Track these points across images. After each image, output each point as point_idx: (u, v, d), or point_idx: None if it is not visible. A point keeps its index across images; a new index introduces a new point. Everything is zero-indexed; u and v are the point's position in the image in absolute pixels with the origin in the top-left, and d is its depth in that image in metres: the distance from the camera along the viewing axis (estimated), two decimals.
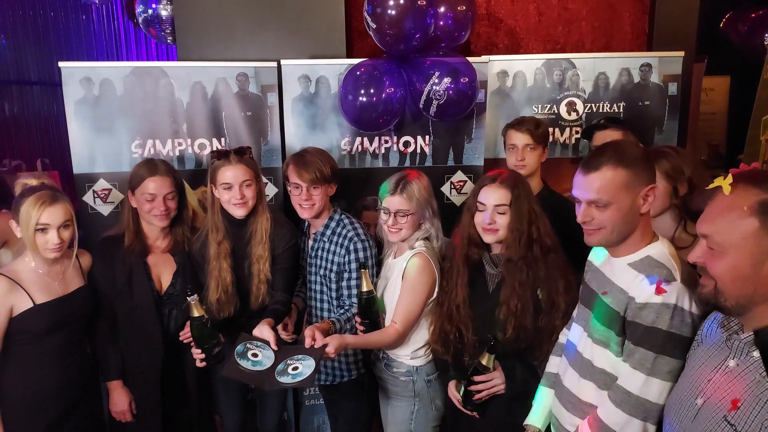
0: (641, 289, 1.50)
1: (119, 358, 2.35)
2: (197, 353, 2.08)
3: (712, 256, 1.22)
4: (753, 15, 4.77)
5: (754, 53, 4.76)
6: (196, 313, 2.03)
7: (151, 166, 2.30)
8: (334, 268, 2.30)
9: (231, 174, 2.20)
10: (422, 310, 2.16)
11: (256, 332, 2.00)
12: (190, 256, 2.42)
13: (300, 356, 1.92)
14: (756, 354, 1.18)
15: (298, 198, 2.27)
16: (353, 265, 2.25)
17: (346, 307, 2.26)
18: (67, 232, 2.10)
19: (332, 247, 2.31)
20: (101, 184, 2.95)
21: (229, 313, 2.33)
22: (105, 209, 2.97)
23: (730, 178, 1.21)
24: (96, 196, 2.96)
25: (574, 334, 1.78)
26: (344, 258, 2.27)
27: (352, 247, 2.26)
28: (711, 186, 1.23)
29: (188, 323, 2.16)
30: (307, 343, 1.94)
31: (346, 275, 2.28)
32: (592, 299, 1.68)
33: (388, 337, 2.13)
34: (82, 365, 2.26)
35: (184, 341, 2.22)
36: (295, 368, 1.88)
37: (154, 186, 2.25)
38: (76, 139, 2.91)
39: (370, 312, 2.15)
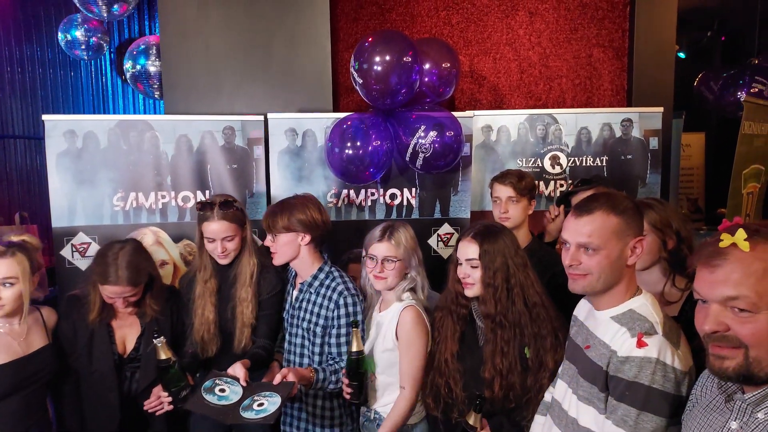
0: (623, 343, 1.46)
1: (78, 421, 2.21)
2: (164, 396, 2.03)
3: (740, 321, 1.11)
4: (725, 74, 4.96)
5: (727, 110, 4.93)
6: (163, 356, 1.98)
7: (112, 271, 2.07)
8: (320, 321, 2.21)
9: (213, 229, 2.22)
10: (425, 362, 2.08)
11: (229, 371, 1.99)
12: (179, 295, 2.38)
13: (267, 393, 1.93)
14: (761, 415, 1.12)
15: (266, 243, 2.28)
16: (342, 321, 2.17)
17: (337, 360, 2.18)
18: (8, 292, 1.98)
19: (319, 300, 2.23)
20: (80, 238, 2.89)
21: (212, 352, 2.29)
22: (83, 263, 2.89)
23: (743, 233, 1.13)
24: (74, 249, 2.88)
25: (559, 391, 1.72)
26: (333, 312, 2.18)
27: (342, 302, 2.18)
28: (722, 244, 1.14)
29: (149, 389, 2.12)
30: (277, 380, 1.96)
31: (334, 331, 2.19)
32: (577, 354, 1.64)
33: (402, 407, 2.06)
34: (43, 428, 2.11)
35: (149, 410, 2.10)
36: (261, 404, 1.90)
37: (113, 292, 2.12)
38: (56, 191, 2.86)
39: (358, 373, 2.06)
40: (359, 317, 2.20)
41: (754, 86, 4.45)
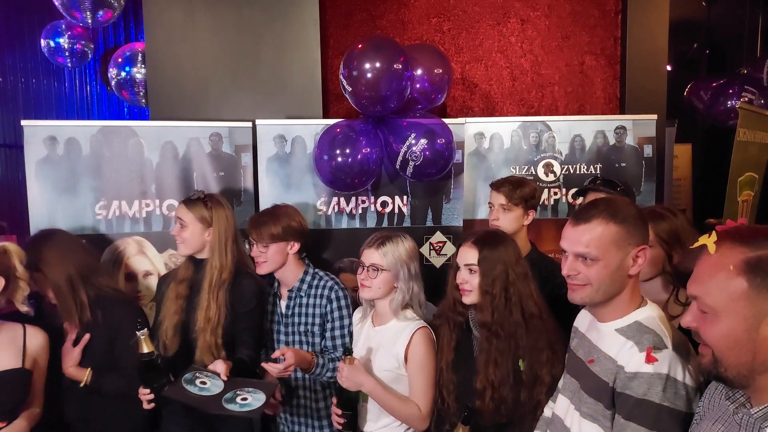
0: (630, 357, 1.39)
1: None
2: (145, 393, 1.94)
3: (704, 321, 1.12)
4: (714, 84, 4.98)
5: (718, 119, 4.95)
6: (145, 349, 1.90)
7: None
8: (317, 321, 2.25)
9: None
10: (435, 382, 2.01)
11: (210, 366, 1.97)
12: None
13: (250, 389, 1.91)
14: None
15: (253, 253, 2.28)
16: (336, 314, 2.23)
17: (333, 352, 2.20)
18: None
19: (311, 300, 2.27)
20: None
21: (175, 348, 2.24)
22: None
23: (714, 236, 1.13)
24: None
25: (560, 406, 1.65)
26: (326, 308, 2.24)
27: (333, 296, 2.25)
28: (696, 245, 1.15)
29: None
30: (276, 354, 2.00)
31: (329, 325, 2.24)
32: (579, 368, 1.57)
33: (410, 409, 1.95)
34: None
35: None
36: (244, 398, 1.88)
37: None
38: (36, 200, 2.77)
39: (351, 401, 1.98)
40: (347, 317, 2.24)
41: (744, 95, 4.47)
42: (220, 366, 1.95)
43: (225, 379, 1.93)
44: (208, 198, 2.26)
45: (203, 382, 1.91)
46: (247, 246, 2.41)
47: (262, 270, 2.26)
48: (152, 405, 1.95)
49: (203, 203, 2.23)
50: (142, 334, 1.90)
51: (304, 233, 2.30)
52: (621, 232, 1.43)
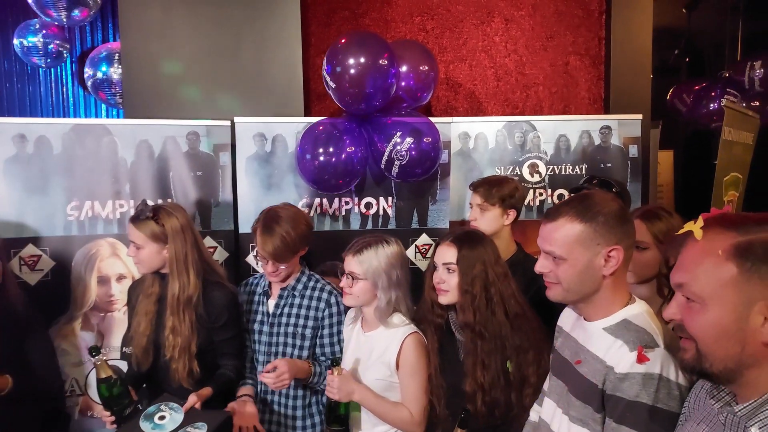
0: (620, 358, 1.33)
1: None
2: (106, 416, 1.95)
3: (689, 311, 1.07)
4: (696, 87, 5.02)
5: (700, 122, 4.98)
6: (103, 374, 1.92)
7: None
8: (309, 323, 2.15)
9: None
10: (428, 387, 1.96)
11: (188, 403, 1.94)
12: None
13: (200, 423, 1.91)
14: (755, 430, 1.01)
15: (264, 267, 2.16)
16: (335, 319, 2.16)
17: (328, 358, 2.13)
18: None
19: (306, 302, 2.18)
20: (29, 250, 2.67)
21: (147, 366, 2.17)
22: (32, 278, 2.68)
23: (701, 222, 1.08)
24: (23, 263, 2.66)
25: (546, 410, 1.59)
26: (323, 312, 2.16)
27: (333, 300, 2.17)
28: (681, 231, 1.11)
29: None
30: (268, 368, 1.96)
31: (326, 331, 2.15)
32: (565, 370, 1.51)
33: (401, 414, 1.91)
34: None
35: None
36: (162, 417, 1.91)
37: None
38: (4, 200, 2.65)
39: (342, 416, 1.93)
40: (340, 324, 2.16)
41: (726, 98, 4.49)
42: (191, 398, 1.93)
43: (185, 411, 1.92)
44: (157, 212, 2.09)
45: (162, 417, 1.92)
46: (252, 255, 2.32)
47: (275, 279, 2.18)
48: (114, 426, 1.95)
49: (153, 220, 2.07)
50: (98, 360, 1.91)
51: (310, 238, 2.21)
52: (587, 231, 1.38)
